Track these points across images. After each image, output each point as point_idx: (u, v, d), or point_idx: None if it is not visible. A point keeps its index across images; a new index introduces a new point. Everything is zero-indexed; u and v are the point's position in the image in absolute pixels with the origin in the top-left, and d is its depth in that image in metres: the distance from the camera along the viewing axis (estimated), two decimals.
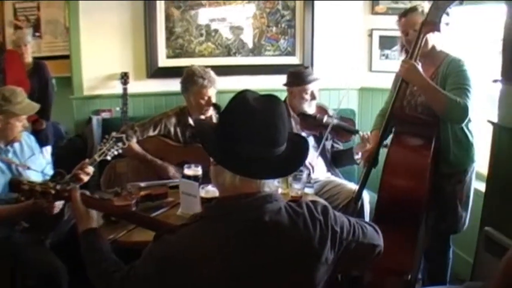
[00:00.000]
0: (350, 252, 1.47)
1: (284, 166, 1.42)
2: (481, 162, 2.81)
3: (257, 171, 1.37)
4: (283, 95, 3.39)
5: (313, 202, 1.49)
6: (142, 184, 2.71)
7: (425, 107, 2.58)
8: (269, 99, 1.41)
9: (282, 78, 3.42)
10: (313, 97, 3.33)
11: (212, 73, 3.17)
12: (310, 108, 3.35)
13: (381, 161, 2.61)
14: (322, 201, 2.75)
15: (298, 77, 3.33)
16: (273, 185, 1.44)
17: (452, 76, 2.51)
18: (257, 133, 1.36)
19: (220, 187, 1.44)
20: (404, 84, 2.55)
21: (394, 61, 3.87)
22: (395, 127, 2.64)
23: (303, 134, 3.34)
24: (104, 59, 3.81)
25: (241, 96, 1.40)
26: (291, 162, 1.44)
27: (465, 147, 2.61)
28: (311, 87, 3.32)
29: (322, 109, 3.47)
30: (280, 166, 1.40)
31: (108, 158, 2.61)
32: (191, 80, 3.14)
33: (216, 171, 1.42)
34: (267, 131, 1.36)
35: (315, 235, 1.38)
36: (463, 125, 2.56)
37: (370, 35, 4.15)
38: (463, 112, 2.42)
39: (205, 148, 1.42)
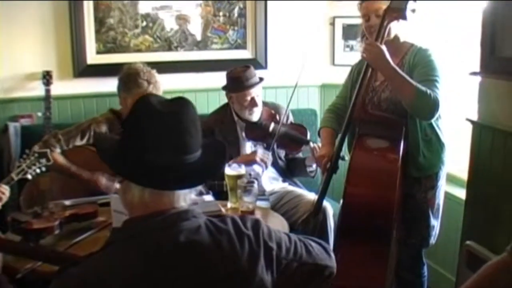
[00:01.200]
0: (292, 273, 1.48)
1: (199, 174, 1.43)
2: (460, 165, 2.87)
3: (168, 181, 1.38)
4: None
5: (242, 217, 1.51)
6: (67, 202, 2.68)
7: (390, 103, 2.62)
8: (177, 102, 1.43)
9: None
10: (253, 104, 3.30)
11: (157, 77, 3.16)
12: (253, 115, 3.33)
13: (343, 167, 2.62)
14: (279, 216, 2.78)
15: (235, 82, 3.31)
16: (189, 199, 1.45)
17: (419, 66, 2.56)
18: (164, 139, 1.37)
19: (128, 206, 1.44)
20: (368, 72, 2.55)
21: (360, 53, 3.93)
22: (358, 129, 2.65)
23: (249, 142, 3.37)
24: (22, 56, 3.72)
25: (144, 100, 1.42)
26: (206, 170, 1.45)
27: (436, 148, 2.66)
28: (252, 92, 3.29)
29: (270, 114, 3.43)
30: (194, 174, 1.41)
31: (29, 177, 2.59)
32: (134, 81, 3.10)
33: (124, 187, 1.43)
34: (176, 137, 1.38)
35: (243, 252, 1.40)
36: (433, 122, 2.60)
37: (332, 24, 4.20)
38: (434, 105, 2.45)
39: (106, 163, 1.43)
